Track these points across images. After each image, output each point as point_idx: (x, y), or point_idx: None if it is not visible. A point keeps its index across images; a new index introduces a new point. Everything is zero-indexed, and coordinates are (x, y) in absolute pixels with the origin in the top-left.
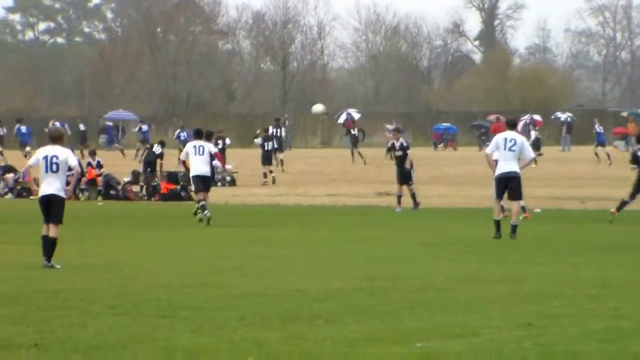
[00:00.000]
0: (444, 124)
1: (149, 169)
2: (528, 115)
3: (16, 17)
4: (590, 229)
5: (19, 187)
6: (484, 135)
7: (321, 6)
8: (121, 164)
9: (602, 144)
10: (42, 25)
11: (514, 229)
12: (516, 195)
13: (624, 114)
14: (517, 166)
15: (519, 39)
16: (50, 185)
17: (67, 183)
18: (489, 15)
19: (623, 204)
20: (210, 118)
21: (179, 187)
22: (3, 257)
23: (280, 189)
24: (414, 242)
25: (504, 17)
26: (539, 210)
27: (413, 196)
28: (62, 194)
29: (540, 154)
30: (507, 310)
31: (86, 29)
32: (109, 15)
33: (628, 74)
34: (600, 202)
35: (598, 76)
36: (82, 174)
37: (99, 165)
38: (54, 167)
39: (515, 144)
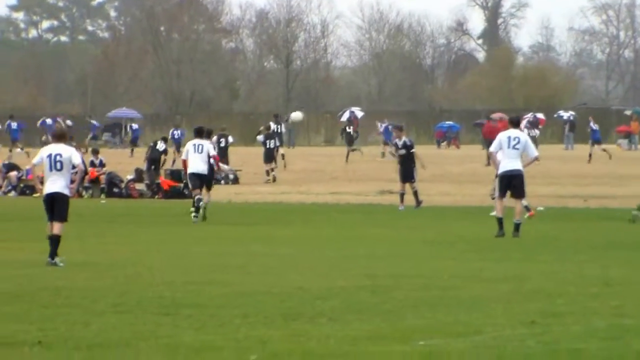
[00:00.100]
0: (447, 122)
1: (152, 167)
2: (531, 113)
3: (20, 15)
4: (593, 227)
5: (22, 185)
6: None
7: (325, 4)
8: (125, 162)
9: (597, 141)
10: (45, 24)
11: (517, 227)
12: (519, 193)
13: (628, 112)
14: (521, 164)
15: (523, 37)
16: (55, 184)
17: (72, 181)
18: (493, 13)
19: None
20: (214, 116)
21: (182, 184)
22: (6, 255)
23: (283, 187)
24: (417, 240)
25: (508, 16)
26: (542, 209)
27: (415, 194)
28: (66, 192)
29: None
30: (510, 309)
31: (90, 28)
32: (113, 13)
33: (631, 72)
34: (603, 200)
35: (601, 74)
36: (86, 171)
37: (102, 164)
38: (58, 165)
39: (519, 142)
